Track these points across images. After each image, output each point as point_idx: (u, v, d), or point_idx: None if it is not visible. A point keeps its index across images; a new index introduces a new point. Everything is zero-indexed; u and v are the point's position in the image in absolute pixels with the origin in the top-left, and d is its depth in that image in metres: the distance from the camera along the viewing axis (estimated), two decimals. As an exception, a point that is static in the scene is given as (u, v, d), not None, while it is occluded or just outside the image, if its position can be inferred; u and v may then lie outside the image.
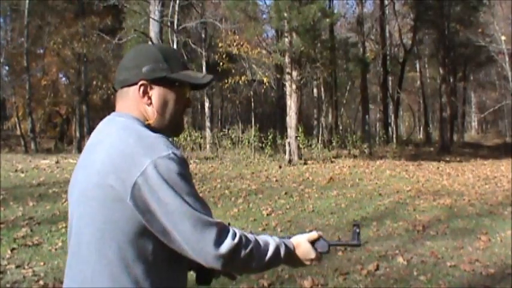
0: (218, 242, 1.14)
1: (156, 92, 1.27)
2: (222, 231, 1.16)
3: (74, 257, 1.22)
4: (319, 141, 18.03)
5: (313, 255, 1.39)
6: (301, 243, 1.39)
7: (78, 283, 1.19)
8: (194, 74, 1.34)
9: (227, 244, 1.15)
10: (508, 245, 5.23)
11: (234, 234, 1.18)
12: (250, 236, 1.24)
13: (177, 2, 18.81)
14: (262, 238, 1.28)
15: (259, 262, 1.24)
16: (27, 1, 19.64)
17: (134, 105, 1.27)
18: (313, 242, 1.41)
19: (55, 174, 10.91)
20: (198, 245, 1.13)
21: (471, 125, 43.96)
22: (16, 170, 11.30)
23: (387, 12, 25.18)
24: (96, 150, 1.21)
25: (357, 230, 1.46)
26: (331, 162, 15.28)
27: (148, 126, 1.26)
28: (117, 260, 1.14)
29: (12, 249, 4.95)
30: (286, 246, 1.33)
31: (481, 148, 25.56)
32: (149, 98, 1.27)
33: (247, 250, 1.20)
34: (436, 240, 5.49)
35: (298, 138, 15.39)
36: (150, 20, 16.90)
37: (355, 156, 16.97)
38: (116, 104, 1.31)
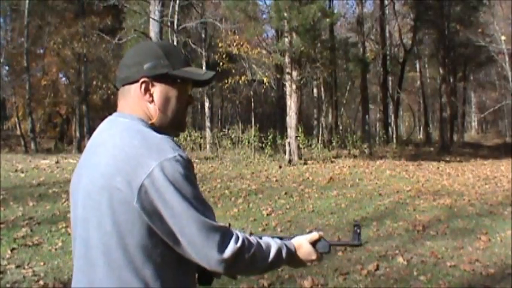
0: (222, 247, 1.15)
1: (157, 89, 1.26)
2: (226, 236, 1.17)
3: (80, 260, 1.21)
4: (319, 141, 18.04)
5: (314, 256, 1.40)
6: (303, 245, 1.39)
7: (86, 284, 1.19)
8: (196, 70, 1.33)
9: (230, 248, 1.15)
10: (508, 245, 5.23)
11: (237, 238, 1.19)
12: (252, 239, 1.25)
13: (177, 2, 18.81)
14: (264, 241, 1.29)
15: (261, 264, 1.25)
16: (27, 1, 19.63)
17: (136, 104, 1.26)
18: (314, 243, 1.42)
19: (55, 174, 10.90)
20: (202, 249, 1.13)
21: (471, 125, 43.96)
22: (16, 170, 11.30)
23: (387, 12, 25.19)
24: (99, 152, 1.20)
25: (358, 230, 1.47)
26: (331, 162, 15.28)
27: (152, 126, 1.25)
28: (126, 263, 1.14)
29: (12, 249, 4.95)
30: (287, 248, 1.33)
31: (481, 148, 25.56)
32: (151, 95, 1.26)
33: (250, 254, 1.20)
34: (436, 240, 5.49)
35: (298, 138, 15.39)
36: (150, 20, 16.93)
37: (355, 156, 16.97)
38: (117, 102, 1.30)
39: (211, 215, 1.17)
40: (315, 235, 1.43)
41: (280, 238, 1.39)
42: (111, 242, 1.14)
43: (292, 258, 1.35)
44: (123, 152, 1.15)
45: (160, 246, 1.15)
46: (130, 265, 1.14)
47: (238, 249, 1.17)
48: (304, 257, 1.39)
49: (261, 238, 1.32)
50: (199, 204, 1.15)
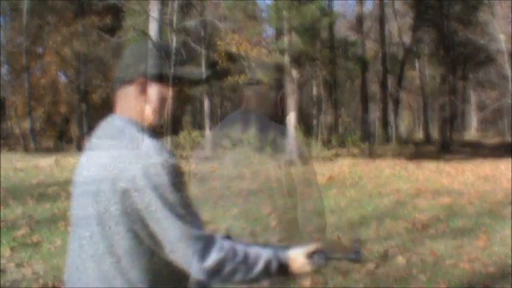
0: (203, 256, 1.13)
1: (154, 89, 1.27)
2: (208, 245, 1.15)
3: (76, 260, 1.22)
4: (319, 140, 18.05)
5: (308, 269, 1.36)
6: (298, 257, 1.34)
7: (81, 284, 1.20)
8: (193, 69, 1.34)
9: (212, 258, 1.14)
10: (508, 244, 5.23)
11: (221, 248, 1.17)
12: (239, 248, 1.21)
13: (177, 1, 18.79)
14: (254, 251, 1.24)
15: (245, 276, 1.21)
16: (27, 0, 19.61)
17: (133, 104, 1.26)
18: (311, 255, 1.38)
19: (54, 173, 10.90)
20: (183, 257, 1.14)
21: (471, 124, 43.95)
22: (16, 169, 11.30)
23: (387, 11, 25.18)
24: (96, 154, 1.22)
25: (358, 247, 1.44)
26: (331, 161, 15.27)
27: (148, 127, 1.25)
28: (114, 266, 1.15)
29: (12, 248, 4.95)
30: (280, 259, 1.28)
31: (481, 147, 25.54)
32: (148, 95, 1.26)
33: (234, 264, 1.18)
34: (435, 239, 5.49)
35: (298, 137, 15.39)
36: (150, 18, 16.89)
37: (354, 155, 16.96)
38: (115, 102, 1.30)
39: (197, 222, 1.16)
40: (311, 247, 1.39)
41: (274, 248, 1.33)
42: (99, 244, 1.15)
43: (283, 270, 1.31)
44: (114, 155, 1.16)
45: (148, 250, 1.15)
46: (118, 268, 1.14)
47: (221, 259, 1.15)
48: (297, 270, 1.34)
49: (262, 247, 1.29)
50: (183, 211, 1.14)
